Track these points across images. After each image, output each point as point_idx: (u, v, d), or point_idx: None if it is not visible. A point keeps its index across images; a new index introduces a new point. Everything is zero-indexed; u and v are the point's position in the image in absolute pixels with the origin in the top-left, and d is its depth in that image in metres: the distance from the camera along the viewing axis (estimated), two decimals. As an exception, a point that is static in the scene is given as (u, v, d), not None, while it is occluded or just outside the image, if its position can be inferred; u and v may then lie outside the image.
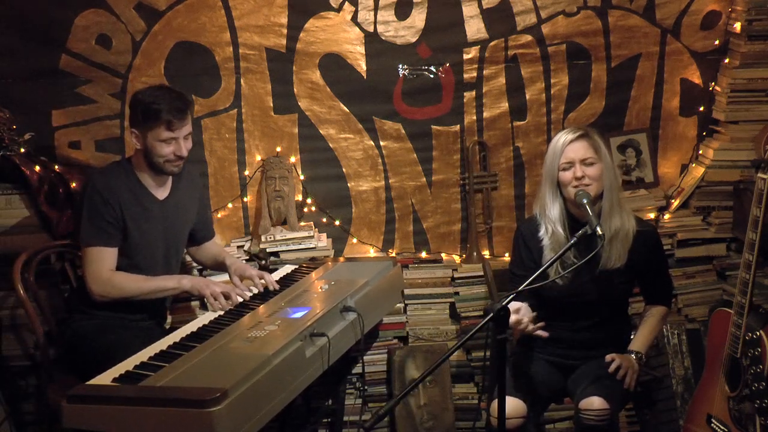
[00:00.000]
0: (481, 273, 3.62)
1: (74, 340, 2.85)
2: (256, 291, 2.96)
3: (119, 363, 2.35)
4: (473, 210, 3.73)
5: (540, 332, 2.62)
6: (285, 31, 3.53)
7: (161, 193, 2.92)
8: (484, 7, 3.57)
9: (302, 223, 3.66)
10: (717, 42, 3.68)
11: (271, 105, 3.61)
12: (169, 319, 3.28)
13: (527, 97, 3.70)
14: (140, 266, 2.86)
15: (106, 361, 2.35)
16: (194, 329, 2.61)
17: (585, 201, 2.59)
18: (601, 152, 2.70)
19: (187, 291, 2.90)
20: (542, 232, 2.77)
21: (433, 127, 3.69)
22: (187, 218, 3.06)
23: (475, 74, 3.65)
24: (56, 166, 3.39)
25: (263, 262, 3.53)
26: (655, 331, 2.86)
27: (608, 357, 2.67)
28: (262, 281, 2.99)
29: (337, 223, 3.74)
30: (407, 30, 3.57)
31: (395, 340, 3.64)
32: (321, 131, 3.65)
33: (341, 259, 3.57)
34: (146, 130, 2.80)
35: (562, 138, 2.71)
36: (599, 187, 2.69)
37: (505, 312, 2.21)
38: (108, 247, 2.78)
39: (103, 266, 2.77)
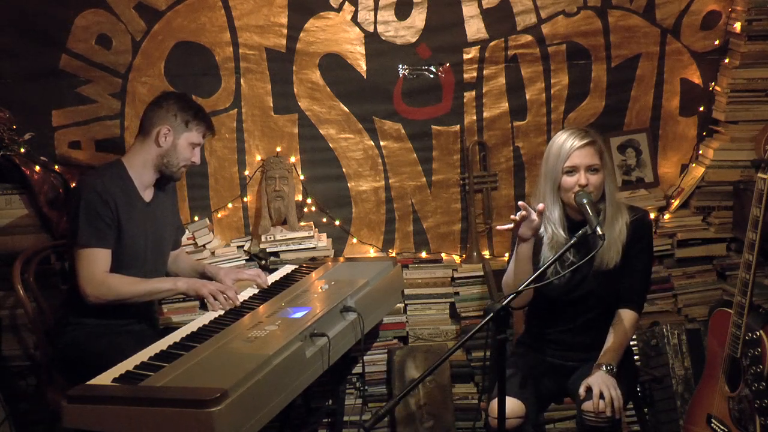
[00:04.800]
0: (481, 273, 3.62)
1: (67, 350, 2.82)
2: (251, 294, 2.96)
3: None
4: (473, 210, 3.73)
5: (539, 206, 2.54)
6: (285, 31, 3.53)
7: (147, 195, 2.91)
8: (484, 7, 3.57)
9: (302, 223, 3.66)
10: (717, 42, 3.68)
11: (271, 105, 3.61)
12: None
13: (527, 97, 3.70)
14: (129, 268, 2.83)
15: (101, 368, 2.32)
16: (194, 329, 2.61)
17: (585, 201, 2.57)
18: (604, 159, 2.66)
19: (183, 292, 2.89)
20: (541, 230, 2.76)
21: (433, 127, 3.69)
22: (168, 221, 3.05)
23: (475, 74, 3.65)
24: (56, 166, 3.40)
25: (263, 262, 3.53)
26: (626, 341, 2.72)
27: (581, 390, 2.56)
28: (260, 278, 3.01)
29: (337, 223, 3.74)
30: (407, 30, 3.58)
31: (395, 340, 3.64)
32: (321, 131, 3.65)
33: (341, 259, 3.57)
34: (185, 131, 2.86)
35: (569, 141, 2.64)
36: (599, 193, 2.68)
37: (505, 312, 2.20)
38: (103, 248, 2.75)
39: (97, 268, 2.73)
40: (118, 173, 2.85)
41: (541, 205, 2.55)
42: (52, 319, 3.04)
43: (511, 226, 2.56)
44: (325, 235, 3.70)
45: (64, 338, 2.85)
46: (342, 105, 3.63)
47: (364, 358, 3.50)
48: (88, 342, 2.77)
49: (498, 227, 2.68)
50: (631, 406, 3.00)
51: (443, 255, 3.78)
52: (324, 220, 3.73)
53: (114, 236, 2.79)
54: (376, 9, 3.55)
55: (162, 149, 2.84)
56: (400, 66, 3.61)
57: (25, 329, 3.38)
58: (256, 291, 3.01)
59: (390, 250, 3.78)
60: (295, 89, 3.60)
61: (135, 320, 2.91)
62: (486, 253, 3.79)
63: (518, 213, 2.55)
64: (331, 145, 3.67)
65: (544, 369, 2.81)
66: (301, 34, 3.54)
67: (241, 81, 3.57)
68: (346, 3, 3.53)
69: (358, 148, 3.68)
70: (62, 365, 2.88)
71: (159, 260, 3.01)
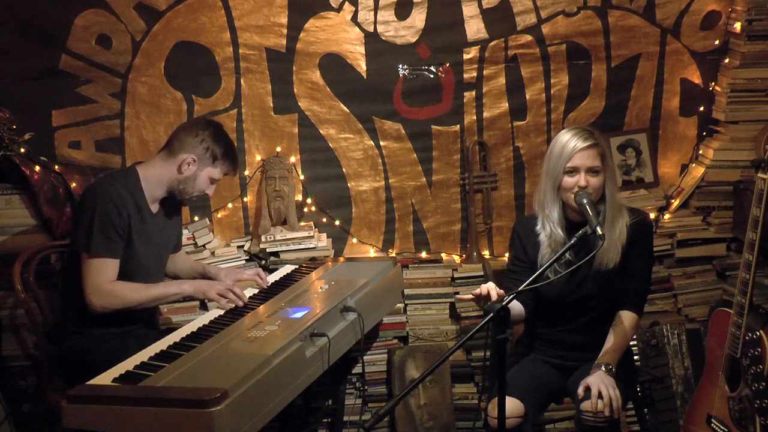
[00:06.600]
0: (481, 273, 3.62)
1: (70, 355, 2.80)
2: (251, 294, 2.96)
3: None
4: (473, 210, 3.73)
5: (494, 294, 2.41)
6: (285, 31, 3.54)
7: (154, 207, 2.89)
8: (484, 7, 3.57)
9: (302, 223, 3.66)
10: (717, 42, 3.68)
11: (271, 105, 3.61)
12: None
13: (527, 97, 3.70)
14: (131, 276, 2.81)
15: (104, 371, 2.32)
16: (194, 329, 2.61)
17: (585, 201, 2.57)
18: (606, 161, 2.66)
19: (190, 295, 2.88)
20: (539, 226, 2.76)
21: (433, 127, 3.69)
22: (171, 231, 3.03)
23: (475, 74, 3.65)
24: (56, 166, 3.39)
25: (263, 262, 3.53)
26: (626, 342, 2.72)
27: (580, 390, 2.56)
28: (260, 278, 3.02)
29: (337, 223, 3.74)
30: (407, 30, 3.58)
31: (395, 340, 3.64)
32: (321, 131, 3.65)
33: (341, 259, 3.57)
34: (209, 165, 2.85)
35: (572, 143, 2.62)
36: (599, 194, 2.67)
37: (505, 312, 2.20)
38: (113, 258, 2.73)
39: (105, 278, 2.71)
40: (132, 183, 2.81)
41: (495, 295, 2.41)
42: (52, 320, 3.03)
43: (470, 296, 2.47)
44: (325, 235, 3.70)
45: (66, 344, 2.83)
46: (342, 105, 3.63)
47: (364, 358, 3.51)
48: (91, 348, 2.75)
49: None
50: (631, 406, 3.00)
51: (443, 255, 3.78)
52: (324, 220, 3.73)
53: (123, 245, 2.77)
54: (376, 9, 3.55)
55: (182, 176, 2.82)
56: (400, 66, 3.61)
57: (25, 329, 3.37)
58: (256, 291, 3.01)
59: (390, 250, 3.78)
60: (295, 89, 3.60)
61: (137, 326, 2.90)
62: (486, 253, 3.79)
63: (479, 290, 2.44)
64: (331, 145, 3.67)
65: (543, 369, 2.81)
66: (301, 34, 3.55)
67: (241, 81, 3.57)
68: (346, 3, 3.53)
69: (358, 148, 3.68)
70: (64, 371, 2.86)
71: (160, 268, 3.01)
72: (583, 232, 2.48)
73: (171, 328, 2.91)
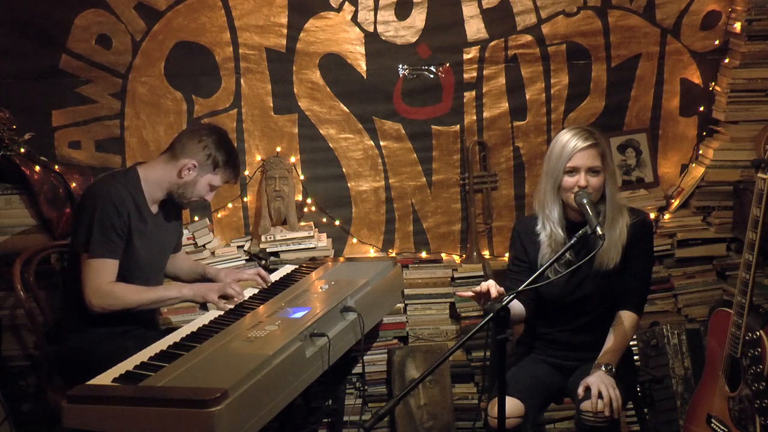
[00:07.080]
0: (481, 273, 3.62)
1: (71, 355, 2.80)
2: (251, 294, 2.96)
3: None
4: (473, 210, 3.73)
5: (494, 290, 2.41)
6: (285, 31, 3.54)
7: (154, 208, 2.89)
8: (484, 7, 3.57)
9: (302, 223, 3.66)
10: (717, 42, 3.68)
11: (271, 105, 3.61)
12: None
13: (527, 97, 3.70)
14: (131, 277, 2.81)
15: (104, 371, 2.32)
16: (194, 329, 2.61)
17: (585, 201, 2.57)
18: (607, 161, 2.65)
19: (190, 299, 2.88)
20: (539, 226, 2.76)
21: (433, 127, 3.69)
22: (172, 233, 3.03)
23: (475, 74, 3.65)
24: (56, 166, 3.39)
25: (263, 262, 3.53)
26: (626, 342, 2.71)
27: (580, 390, 2.55)
28: (260, 277, 3.02)
29: (337, 223, 3.74)
30: (407, 30, 3.58)
31: (395, 340, 3.64)
32: (321, 131, 3.65)
33: (341, 259, 3.57)
34: (210, 172, 2.84)
35: (572, 142, 2.62)
36: (599, 194, 2.67)
37: (506, 312, 2.20)
38: (113, 258, 2.73)
39: (104, 278, 2.70)
40: (132, 183, 2.81)
41: (495, 292, 2.42)
42: (52, 320, 3.03)
43: (470, 293, 2.47)
44: (325, 235, 3.70)
45: (66, 344, 2.83)
46: (342, 105, 3.63)
47: (364, 358, 3.51)
48: (91, 348, 2.75)
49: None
50: (631, 406, 3.00)
51: (443, 255, 3.78)
52: (324, 220, 3.73)
53: (123, 246, 2.77)
54: (376, 9, 3.55)
55: (181, 180, 2.82)
56: (400, 66, 3.62)
57: (25, 329, 3.37)
58: (256, 291, 3.01)
59: (390, 250, 3.78)
60: (295, 89, 3.60)
61: (137, 326, 2.90)
62: (486, 253, 3.79)
63: (479, 287, 2.44)
64: (331, 145, 3.67)
65: (544, 369, 2.81)
66: (301, 34, 3.55)
67: (241, 81, 3.57)
68: (346, 3, 3.53)
69: (358, 148, 3.68)
70: (64, 371, 2.85)
71: (160, 268, 3.01)
72: (583, 232, 2.48)
73: (171, 328, 2.92)
